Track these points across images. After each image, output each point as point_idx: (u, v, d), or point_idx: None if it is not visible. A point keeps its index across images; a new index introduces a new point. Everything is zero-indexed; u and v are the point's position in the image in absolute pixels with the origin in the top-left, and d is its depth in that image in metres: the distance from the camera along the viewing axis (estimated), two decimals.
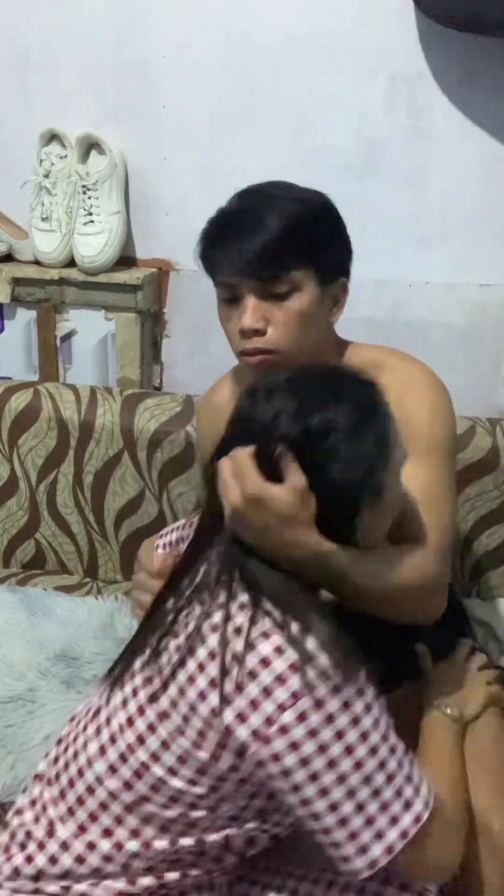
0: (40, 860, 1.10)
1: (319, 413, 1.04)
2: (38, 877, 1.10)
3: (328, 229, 1.39)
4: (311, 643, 0.99)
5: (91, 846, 1.08)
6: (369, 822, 0.98)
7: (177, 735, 1.03)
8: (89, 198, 2.02)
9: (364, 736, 0.98)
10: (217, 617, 1.03)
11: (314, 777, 0.97)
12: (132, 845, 1.07)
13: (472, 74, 1.87)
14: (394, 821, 0.99)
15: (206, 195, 2.04)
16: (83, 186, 2.02)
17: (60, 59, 2.02)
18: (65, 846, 1.09)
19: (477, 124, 1.91)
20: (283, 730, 0.97)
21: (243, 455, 1.07)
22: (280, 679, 0.97)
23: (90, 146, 2.03)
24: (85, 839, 1.09)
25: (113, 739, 1.09)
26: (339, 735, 0.97)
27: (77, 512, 2.01)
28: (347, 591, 1.17)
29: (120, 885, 1.08)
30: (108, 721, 1.10)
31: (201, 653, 1.02)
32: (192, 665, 1.02)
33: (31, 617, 1.78)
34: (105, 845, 1.08)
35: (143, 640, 1.11)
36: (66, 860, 1.09)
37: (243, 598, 1.04)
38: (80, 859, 1.09)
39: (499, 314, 2.01)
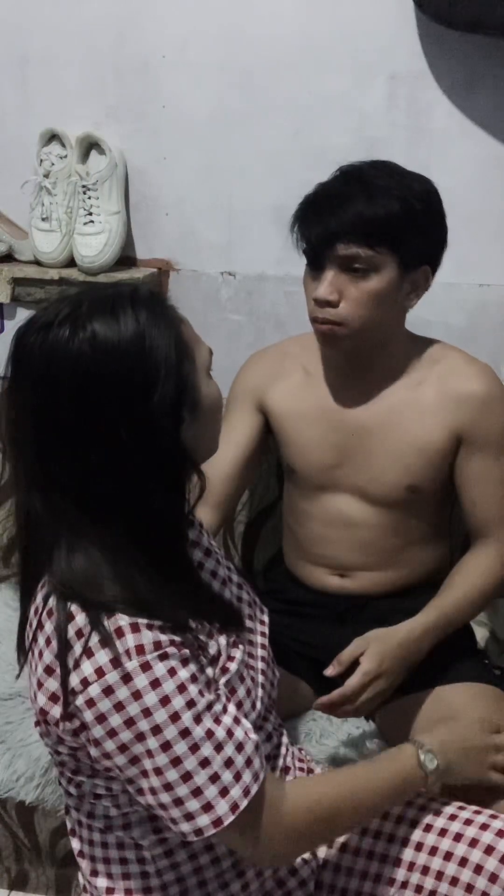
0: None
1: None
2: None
3: (418, 216, 1.44)
4: (122, 620, 0.98)
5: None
6: (177, 802, 0.99)
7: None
8: (89, 198, 2.02)
9: (174, 717, 0.98)
10: (38, 599, 1.05)
11: (123, 748, 0.98)
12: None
13: (472, 74, 1.87)
14: (207, 807, 0.99)
15: (206, 195, 2.06)
16: (83, 186, 2.02)
17: (60, 59, 2.02)
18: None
19: (477, 124, 1.91)
20: (90, 702, 0.98)
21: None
22: (88, 653, 0.98)
23: (90, 146, 2.03)
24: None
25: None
26: (146, 712, 0.97)
27: None
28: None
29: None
30: None
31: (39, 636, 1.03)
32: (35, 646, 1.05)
33: None
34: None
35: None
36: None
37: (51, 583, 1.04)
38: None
39: (499, 314, 2.01)
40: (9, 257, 2.12)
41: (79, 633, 0.99)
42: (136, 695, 0.97)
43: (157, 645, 0.98)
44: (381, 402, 1.55)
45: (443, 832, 1.17)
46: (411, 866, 1.17)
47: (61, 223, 2.03)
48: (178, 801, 0.99)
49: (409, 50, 1.88)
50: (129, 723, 0.97)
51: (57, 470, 1.01)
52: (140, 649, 0.98)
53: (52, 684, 1.01)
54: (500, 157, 1.92)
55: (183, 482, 1.06)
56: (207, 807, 0.99)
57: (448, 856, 1.14)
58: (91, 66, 2.01)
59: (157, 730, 0.97)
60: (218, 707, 1.02)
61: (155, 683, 0.97)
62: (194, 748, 0.99)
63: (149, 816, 1.11)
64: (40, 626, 1.03)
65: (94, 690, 0.97)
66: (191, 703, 0.99)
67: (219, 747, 1.00)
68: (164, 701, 0.98)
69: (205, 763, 0.99)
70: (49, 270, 2.06)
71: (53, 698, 1.01)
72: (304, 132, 1.97)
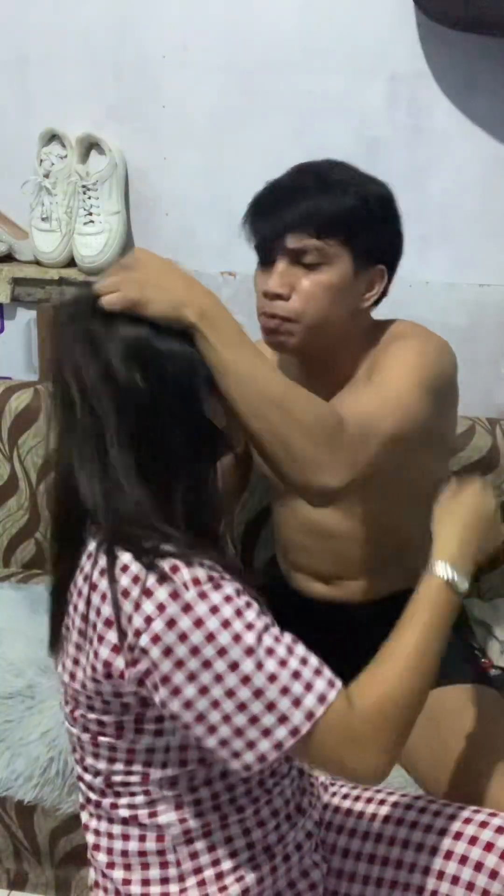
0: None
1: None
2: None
3: (370, 212, 1.38)
4: (176, 559, 1.01)
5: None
6: (253, 720, 1.00)
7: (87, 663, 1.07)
8: (89, 198, 2.02)
9: (237, 638, 1.00)
10: (87, 569, 1.07)
11: (191, 677, 1.00)
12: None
13: (472, 74, 1.88)
14: (282, 719, 1.00)
15: (206, 195, 2.07)
16: (83, 186, 2.02)
17: (60, 59, 2.02)
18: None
19: (477, 124, 1.91)
20: (156, 638, 0.99)
21: None
22: (147, 593, 1.00)
23: (90, 146, 2.03)
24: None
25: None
26: (210, 637, 0.99)
27: None
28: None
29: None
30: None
31: (84, 588, 1.06)
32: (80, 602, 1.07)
33: (33, 615, 1.78)
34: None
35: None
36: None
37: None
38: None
39: (499, 314, 2.01)
40: (9, 257, 2.13)
41: (135, 579, 1.01)
42: (199, 622, 0.99)
43: (211, 577, 1.01)
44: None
45: (443, 832, 1.17)
46: (412, 868, 1.17)
47: (61, 223, 2.04)
48: (254, 719, 1.00)
49: (409, 50, 1.88)
50: (195, 651, 0.99)
51: (113, 428, 1.06)
52: (196, 581, 1.00)
53: (114, 636, 1.03)
54: (500, 157, 1.92)
55: (215, 457, 1.13)
56: (283, 718, 1.00)
57: (449, 855, 1.15)
58: (91, 66, 2.01)
59: (223, 651, 0.99)
60: (275, 629, 1.04)
61: (214, 609, 1.00)
62: (259, 665, 1.00)
63: (175, 805, 1.12)
64: (93, 587, 1.05)
65: (158, 625, 0.99)
66: (250, 626, 1.01)
67: (283, 663, 1.02)
68: (226, 624, 1.00)
69: (272, 678, 1.01)
70: (49, 270, 2.07)
71: (116, 649, 1.03)
72: (304, 132, 1.97)
